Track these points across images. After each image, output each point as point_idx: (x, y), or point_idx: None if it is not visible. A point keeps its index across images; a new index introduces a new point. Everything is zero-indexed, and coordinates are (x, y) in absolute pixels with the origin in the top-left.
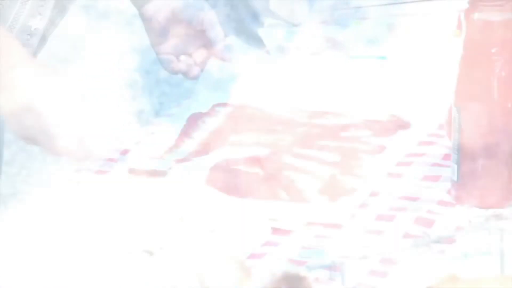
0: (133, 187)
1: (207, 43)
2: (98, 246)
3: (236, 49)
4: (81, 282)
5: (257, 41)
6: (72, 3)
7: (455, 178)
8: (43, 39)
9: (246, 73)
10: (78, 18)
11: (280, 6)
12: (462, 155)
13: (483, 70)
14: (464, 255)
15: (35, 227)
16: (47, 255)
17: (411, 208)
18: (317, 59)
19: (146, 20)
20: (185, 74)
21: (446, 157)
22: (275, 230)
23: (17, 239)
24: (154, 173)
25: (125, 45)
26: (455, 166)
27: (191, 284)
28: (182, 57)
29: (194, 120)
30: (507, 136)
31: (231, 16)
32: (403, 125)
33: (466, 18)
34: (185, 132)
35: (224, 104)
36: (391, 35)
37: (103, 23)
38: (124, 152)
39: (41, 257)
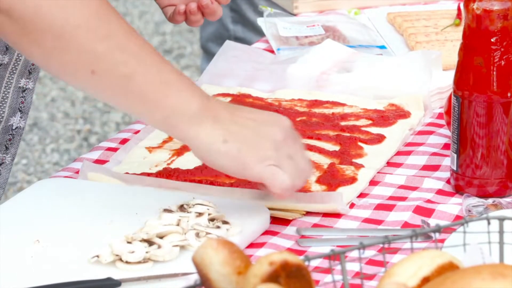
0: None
1: None
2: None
3: None
4: None
5: (255, 31)
6: None
7: (454, 168)
8: None
9: (247, 62)
10: None
11: None
12: (462, 144)
13: (483, 59)
14: (463, 244)
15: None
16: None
17: (411, 197)
18: (316, 48)
19: None
20: (188, 22)
21: (446, 146)
22: (274, 219)
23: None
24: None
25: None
26: (455, 156)
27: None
28: (192, 4)
29: None
30: (506, 125)
31: (230, 6)
32: (403, 115)
33: (466, 7)
34: None
35: (224, 94)
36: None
37: None
38: (123, 142)
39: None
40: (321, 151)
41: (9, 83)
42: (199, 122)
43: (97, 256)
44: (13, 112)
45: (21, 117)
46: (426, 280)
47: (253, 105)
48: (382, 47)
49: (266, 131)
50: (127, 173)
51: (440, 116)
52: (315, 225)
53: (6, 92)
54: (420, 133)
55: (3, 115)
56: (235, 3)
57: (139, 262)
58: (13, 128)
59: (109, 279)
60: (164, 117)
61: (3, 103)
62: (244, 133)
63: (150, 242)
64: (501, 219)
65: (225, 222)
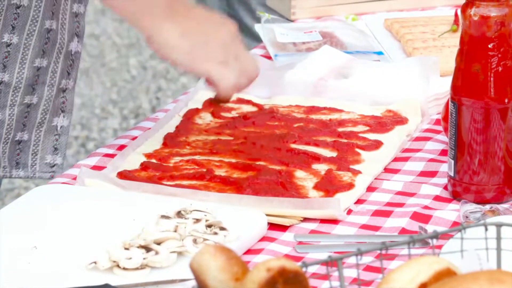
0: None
1: None
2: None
3: None
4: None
5: (253, 37)
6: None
7: (452, 174)
8: None
9: None
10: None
11: (276, 1)
12: (459, 150)
13: (480, 65)
14: (460, 250)
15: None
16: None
17: (408, 203)
18: (314, 54)
19: None
20: None
21: (443, 152)
22: (272, 226)
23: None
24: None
25: (123, 41)
26: (452, 162)
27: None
28: None
29: (191, 115)
30: (503, 131)
31: (228, 12)
32: (400, 121)
33: (463, 13)
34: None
35: None
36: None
37: (101, 19)
38: (120, 148)
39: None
40: (318, 157)
41: (65, 9)
42: (161, 19)
43: (95, 263)
44: (71, 37)
45: (78, 42)
46: (423, 286)
47: (251, 112)
48: (380, 53)
49: (216, 31)
50: (124, 178)
51: (437, 122)
52: (313, 231)
53: (63, 19)
54: (418, 139)
55: (64, 41)
56: (232, 9)
57: (137, 269)
58: (72, 53)
59: (106, 285)
60: (134, 11)
61: (63, 29)
62: (198, 29)
63: (147, 249)
64: (499, 225)
65: (222, 229)
